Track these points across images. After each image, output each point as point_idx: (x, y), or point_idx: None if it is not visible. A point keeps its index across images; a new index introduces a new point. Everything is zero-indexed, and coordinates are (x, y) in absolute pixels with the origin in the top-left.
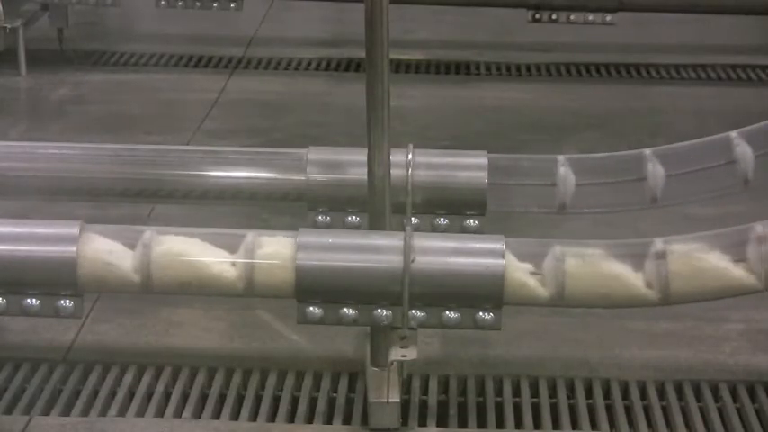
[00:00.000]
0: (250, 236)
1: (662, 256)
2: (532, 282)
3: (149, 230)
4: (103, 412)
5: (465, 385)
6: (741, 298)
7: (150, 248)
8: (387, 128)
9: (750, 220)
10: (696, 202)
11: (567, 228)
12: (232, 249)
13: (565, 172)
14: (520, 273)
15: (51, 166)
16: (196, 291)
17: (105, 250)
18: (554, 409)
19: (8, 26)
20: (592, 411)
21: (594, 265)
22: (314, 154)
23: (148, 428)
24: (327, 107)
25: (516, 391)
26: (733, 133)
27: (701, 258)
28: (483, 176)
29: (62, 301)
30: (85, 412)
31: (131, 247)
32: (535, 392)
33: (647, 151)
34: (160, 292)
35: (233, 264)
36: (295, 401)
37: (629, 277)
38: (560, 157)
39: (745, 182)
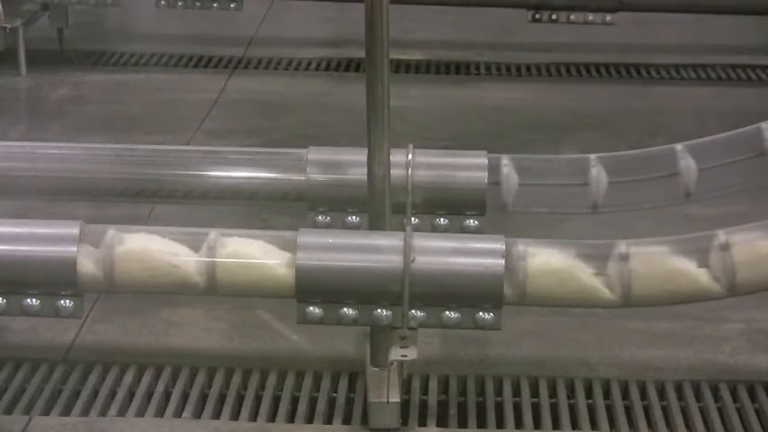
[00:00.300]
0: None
1: (726, 247)
2: (597, 283)
3: (214, 232)
4: (103, 412)
5: (465, 385)
6: (741, 298)
7: (215, 251)
8: (387, 128)
9: (751, 219)
10: (640, 210)
11: (567, 228)
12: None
13: (508, 172)
14: (584, 274)
15: (51, 166)
16: (261, 293)
17: (170, 252)
18: (554, 409)
19: (8, 26)
20: (592, 411)
21: (660, 262)
22: (314, 154)
23: (148, 428)
24: (327, 107)
25: (516, 391)
26: (678, 146)
27: (763, 246)
28: (483, 176)
29: (62, 301)
30: (85, 412)
31: (196, 249)
32: (535, 392)
33: (593, 156)
34: (223, 294)
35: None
36: (295, 401)
37: (695, 272)
38: (504, 158)
39: (687, 195)
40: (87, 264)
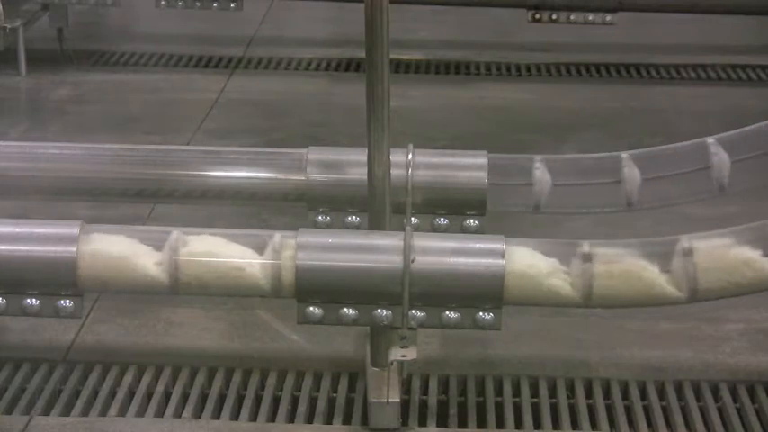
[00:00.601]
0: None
1: None
2: (664, 281)
3: (278, 234)
4: (103, 412)
5: (465, 385)
6: (741, 298)
7: (280, 253)
8: (387, 128)
9: (751, 220)
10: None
11: (567, 228)
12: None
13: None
14: (650, 273)
15: (51, 166)
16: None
17: (235, 255)
18: (554, 409)
19: (8, 26)
20: (592, 411)
21: (724, 255)
22: (314, 154)
23: (148, 428)
24: (327, 107)
25: (516, 391)
26: (624, 154)
27: None
28: (483, 176)
29: (62, 301)
30: (85, 412)
31: (261, 251)
32: (535, 392)
33: (537, 157)
34: (287, 297)
35: None
36: (295, 401)
37: (760, 261)
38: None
39: (629, 204)
40: (151, 266)
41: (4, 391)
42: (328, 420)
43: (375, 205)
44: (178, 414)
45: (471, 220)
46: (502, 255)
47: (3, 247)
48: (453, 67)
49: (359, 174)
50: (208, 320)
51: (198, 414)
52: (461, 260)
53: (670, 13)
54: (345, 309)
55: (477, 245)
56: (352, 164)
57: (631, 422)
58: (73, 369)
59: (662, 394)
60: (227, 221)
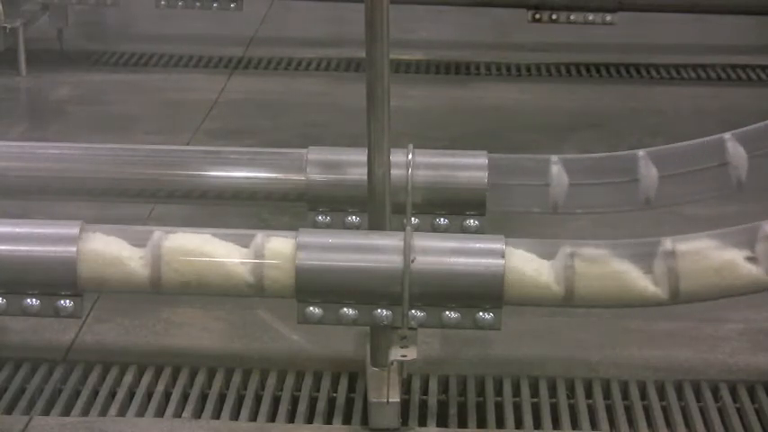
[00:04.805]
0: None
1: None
2: (646, 282)
3: (260, 233)
4: (103, 412)
5: (465, 385)
6: (741, 298)
7: (264, 252)
8: (387, 128)
9: (749, 219)
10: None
11: (568, 228)
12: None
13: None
14: (631, 273)
15: (51, 166)
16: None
17: (219, 253)
18: (554, 409)
19: (8, 26)
20: (592, 411)
21: (705, 257)
22: (314, 154)
23: (148, 428)
24: (327, 107)
25: (516, 391)
26: (641, 152)
27: None
28: (483, 176)
29: (62, 301)
30: (85, 412)
31: (260, 252)
32: (535, 392)
33: (554, 158)
34: (272, 296)
35: None
36: (295, 401)
37: (741, 264)
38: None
39: (647, 201)
40: (135, 266)
41: (4, 391)
42: (328, 420)
43: (375, 205)
44: (178, 414)
45: (471, 220)
46: (502, 255)
47: (3, 247)
48: (453, 67)
49: (359, 174)
50: (208, 320)
51: (198, 414)
52: (461, 260)
53: (670, 13)
54: (345, 309)
55: (477, 245)
56: (352, 164)
57: (631, 422)
58: (73, 369)
59: (662, 394)
60: (227, 221)
